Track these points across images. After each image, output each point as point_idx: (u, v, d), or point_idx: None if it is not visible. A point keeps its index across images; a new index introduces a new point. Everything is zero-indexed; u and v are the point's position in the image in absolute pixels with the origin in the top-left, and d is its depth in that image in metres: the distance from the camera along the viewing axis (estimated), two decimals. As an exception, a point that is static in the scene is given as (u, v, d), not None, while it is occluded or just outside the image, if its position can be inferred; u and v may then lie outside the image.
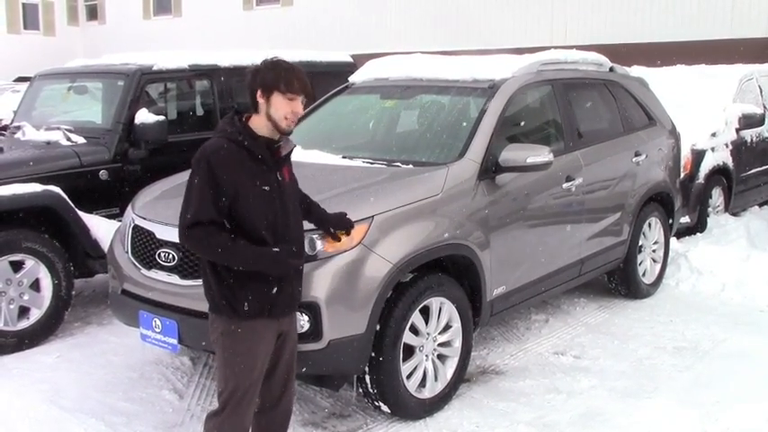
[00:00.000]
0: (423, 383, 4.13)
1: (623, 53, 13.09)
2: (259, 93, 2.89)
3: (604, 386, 4.54)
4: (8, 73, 20.26)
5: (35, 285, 5.23)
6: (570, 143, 5.30)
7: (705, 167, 7.62)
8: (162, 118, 5.92)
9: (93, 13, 28.12)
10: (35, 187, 5.22)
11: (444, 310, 4.18)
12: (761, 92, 8.84)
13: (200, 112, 6.87)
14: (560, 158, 5.00)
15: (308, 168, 4.03)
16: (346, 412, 4.26)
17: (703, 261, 6.53)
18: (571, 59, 5.72)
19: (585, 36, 16.22)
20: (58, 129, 6.02)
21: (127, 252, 4.33)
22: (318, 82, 7.23)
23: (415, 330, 4.03)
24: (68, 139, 5.89)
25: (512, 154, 4.45)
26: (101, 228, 5.46)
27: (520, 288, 4.75)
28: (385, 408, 4.03)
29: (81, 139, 5.90)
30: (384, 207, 3.92)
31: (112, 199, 5.80)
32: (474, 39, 17.89)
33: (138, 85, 6.06)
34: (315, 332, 3.62)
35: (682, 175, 7.06)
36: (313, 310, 3.60)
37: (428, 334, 4.12)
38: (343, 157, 4.72)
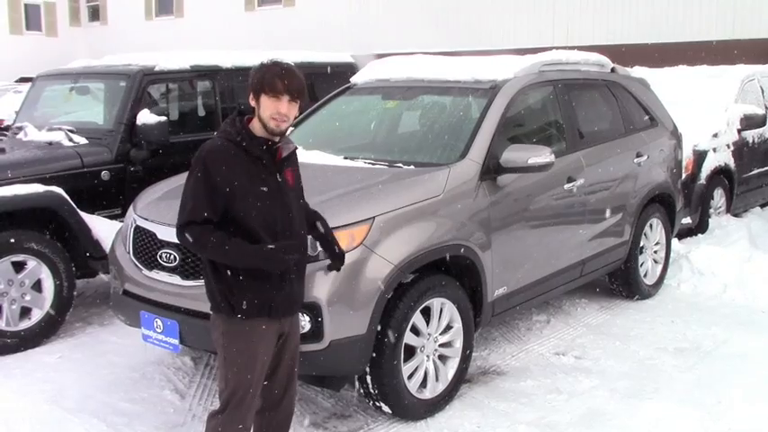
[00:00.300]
0: (424, 384, 4.14)
1: (625, 54, 13.10)
2: (251, 96, 2.94)
3: (605, 387, 4.54)
4: (10, 74, 20.29)
5: (37, 286, 5.24)
6: (572, 144, 5.30)
7: (707, 168, 7.62)
8: (164, 119, 5.93)
9: (95, 14, 28.15)
10: (37, 188, 5.23)
11: (445, 310, 4.18)
12: (762, 92, 8.84)
13: (201, 112, 6.88)
14: (562, 159, 5.00)
15: (309, 169, 4.02)
16: (347, 413, 4.26)
17: (705, 262, 6.53)
18: (573, 60, 5.71)
19: (587, 37, 16.22)
20: (60, 129, 6.03)
21: (128, 252, 4.33)
22: (320, 83, 7.28)
23: (416, 331, 4.04)
24: (70, 139, 5.90)
25: (513, 155, 4.45)
26: (102, 228, 5.47)
27: (521, 289, 4.75)
28: (386, 408, 4.04)
29: (83, 140, 5.91)
30: (385, 208, 3.92)
31: (114, 199, 5.82)
32: (475, 39, 17.89)
33: (140, 85, 6.07)
34: (316, 333, 3.62)
35: (683, 175, 7.06)
36: (314, 310, 3.60)
37: (429, 334, 4.12)
38: (345, 158, 4.72)
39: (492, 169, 4.48)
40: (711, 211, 7.84)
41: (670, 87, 7.86)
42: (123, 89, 6.07)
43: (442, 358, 4.25)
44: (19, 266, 5.15)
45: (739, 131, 8.16)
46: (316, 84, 7.29)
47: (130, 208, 4.56)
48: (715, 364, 4.86)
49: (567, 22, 17.17)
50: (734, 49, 13.50)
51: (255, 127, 2.94)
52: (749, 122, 8.19)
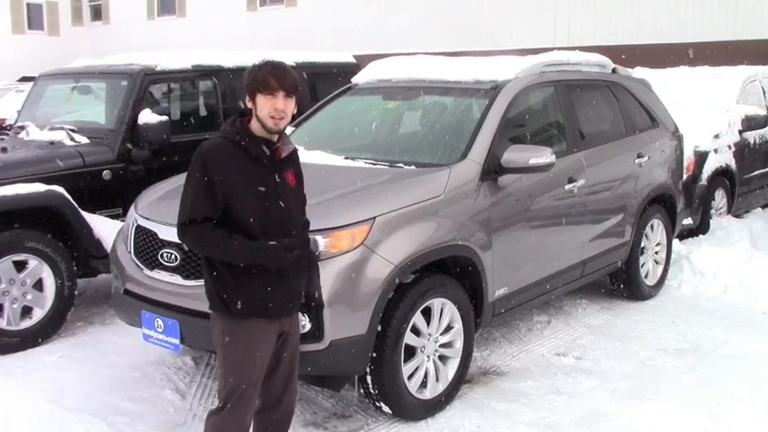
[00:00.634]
0: (424, 384, 4.14)
1: (626, 55, 13.11)
2: (247, 97, 2.96)
3: (606, 387, 4.54)
4: (12, 73, 20.30)
5: (38, 285, 5.25)
6: (573, 145, 5.30)
7: (708, 169, 7.62)
8: (165, 118, 5.93)
9: (97, 14, 28.17)
10: (38, 187, 5.23)
11: (446, 311, 4.18)
12: (764, 93, 8.84)
13: (203, 112, 6.88)
14: (563, 160, 5.01)
15: (310, 169, 4.03)
16: (347, 413, 4.27)
17: (706, 263, 6.53)
18: (574, 61, 5.71)
19: (589, 37, 16.21)
20: (62, 129, 6.03)
21: (129, 252, 4.34)
22: (321, 83, 7.28)
23: (416, 331, 4.04)
24: (72, 139, 5.90)
25: (514, 155, 4.45)
26: (104, 228, 5.47)
27: (522, 289, 4.75)
28: (386, 408, 4.04)
29: (84, 140, 5.91)
30: (386, 208, 3.93)
31: (115, 199, 5.82)
32: (477, 40, 17.89)
33: (142, 85, 6.07)
34: (316, 333, 3.62)
35: (684, 176, 7.06)
36: (314, 310, 3.60)
37: (429, 335, 4.12)
38: (346, 158, 4.72)
39: (493, 170, 4.48)
40: (712, 211, 7.84)
41: (671, 88, 7.86)
42: (125, 89, 6.07)
43: (443, 358, 4.25)
44: (20, 266, 5.15)
45: (740, 132, 8.16)
46: (317, 84, 7.30)
47: (131, 207, 4.56)
48: (716, 365, 4.86)
49: (568, 23, 17.16)
50: (735, 50, 13.50)
51: (254, 127, 2.96)
52: (750, 123, 8.18)
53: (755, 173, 8.58)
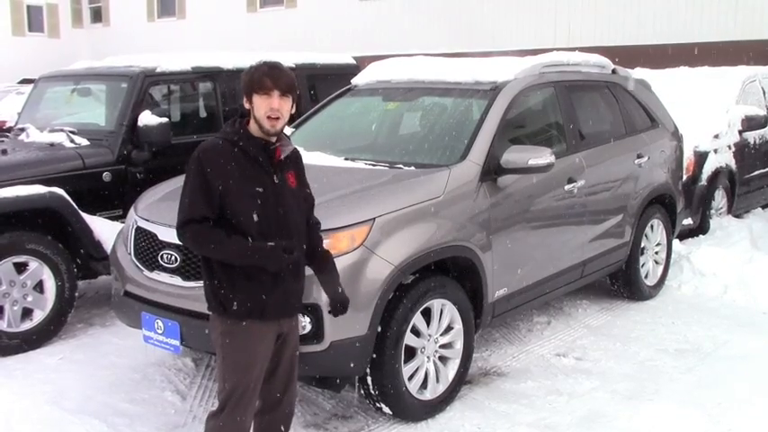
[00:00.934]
0: (424, 385, 4.14)
1: (626, 55, 13.10)
2: (245, 99, 2.97)
3: (606, 388, 4.54)
4: (13, 75, 20.32)
5: (39, 287, 5.25)
6: (572, 145, 5.30)
7: (708, 169, 7.62)
8: (165, 120, 5.94)
9: (97, 16, 28.18)
10: (38, 189, 5.23)
11: (446, 311, 4.18)
12: (764, 93, 8.84)
13: (203, 114, 6.89)
14: (562, 160, 5.01)
15: (310, 170, 4.03)
16: (348, 414, 4.27)
17: (706, 263, 6.53)
18: (573, 61, 5.71)
19: (589, 38, 16.21)
20: (62, 131, 6.03)
21: (130, 254, 4.34)
22: (321, 84, 7.28)
23: (416, 332, 4.04)
24: (72, 140, 5.90)
25: (513, 156, 4.45)
26: (104, 229, 5.47)
27: (522, 290, 4.75)
28: (386, 409, 4.04)
29: (84, 141, 5.91)
30: (386, 209, 3.93)
31: (115, 201, 5.82)
32: (477, 41, 17.90)
33: (142, 87, 6.07)
34: (316, 333, 3.63)
35: (684, 176, 7.06)
36: (314, 311, 3.61)
37: (429, 335, 4.13)
38: (346, 159, 4.73)
39: (492, 170, 4.48)
40: (712, 212, 7.84)
41: (671, 88, 7.86)
42: (125, 90, 6.07)
43: (443, 359, 4.25)
44: (21, 267, 5.15)
45: (740, 132, 8.16)
46: (317, 85, 7.30)
47: (131, 209, 4.57)
48: (716, 366, 4.86)
49: (568, 23, 17.17)
50: (735, 50, 13.49)
51: (253, 128, 2.97)
52: (750, 123, 8.19)
53: (755, 173, 8.58)
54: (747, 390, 4.47)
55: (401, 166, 4.52)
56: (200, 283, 3.37)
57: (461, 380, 4.36)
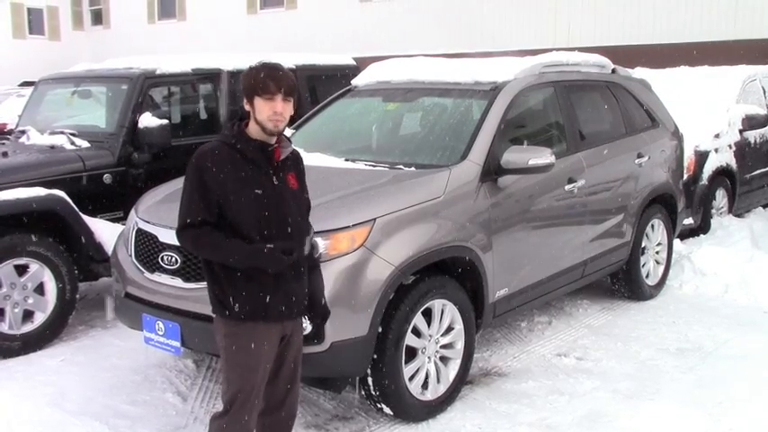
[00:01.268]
0: (425, 385, 4.14)
1: (626, 55, 13.10)
2: (245, 100, 2.96)
3: (607, 388, 4.54)
4: (13, 78, 20.35)
5: (39, 289, 5.25)
6: (572, 145, 5.30)
7: (708, 169, 7.62)
8: (165, 122, 5.95)
9: (97, 18, 28.22)
10: (39, 191, 5.24)
11: (446, 312, 4.18)
12: (764, 93, 8.83)
13: (203, 115, 6.89)
14: (562, 160, 5.01)
15: (310, 171, 4.03)
16: (349, 414, 4.27)
17: (707, 262, 6.53)
18: (573, 61, 5.71)
19: (589, 37, 16.22)
20: (62, 133, 6.05)
21: (130, 255, 4.35)
22: (321, 85, 7.28)
23: (417, 332, 4.04)
24: (72, 143, 5.92)
25: (514, 156, 4.46)
26: (104, 231, 5.48)
27: (522, 290, 4.75)
28: (387, 410, 4.04)
29: (85, 143, 5.93)
30: (386, 210, 3.93)
31: (116, 202, 5.83)
32: (477, 41, 17.91)
33: (142, 89, 6.08)
34: (317, 334, 3.62)
35: (685, 176, 7.06)
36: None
37: (430, 336, 4.13)
38: (346, 160, 4.73)
39: (493, 171, 4.48)
40: (713, 211, 7.84)
41: (671, 88, 7.85)
42: (125, 92, 6.08)
43: (444, 360, 4.25)
44: (21, 270, 5.16)
45: (741, 132, 8.16)
46: (317, 86, 7.30)
47: (132, 211, 4.57)
48: (716, 365, 4.86)
49: (568, 23, 17.17)
50: (735, 50, 13.49)
51: (252, 130, 2.96)
52: (751, 123, 8.19)
53: (756, 172, 8.58)
54: (748, 389, 4.47)
55: (401, 166, 4.52)
56: (201, 285, 3.38)
57: (462, 380, 4.36)
